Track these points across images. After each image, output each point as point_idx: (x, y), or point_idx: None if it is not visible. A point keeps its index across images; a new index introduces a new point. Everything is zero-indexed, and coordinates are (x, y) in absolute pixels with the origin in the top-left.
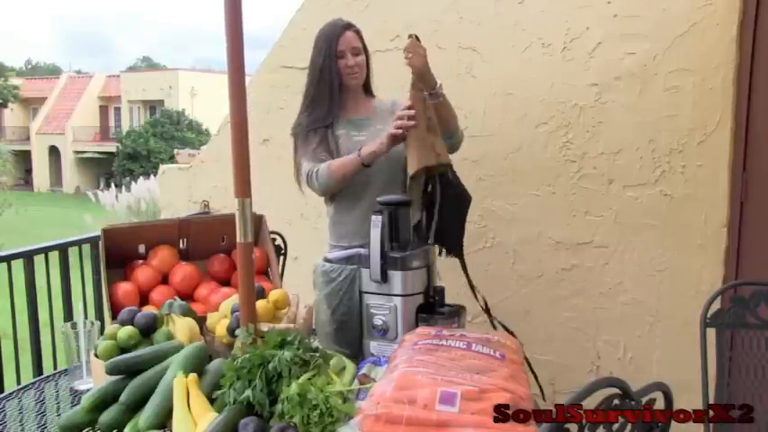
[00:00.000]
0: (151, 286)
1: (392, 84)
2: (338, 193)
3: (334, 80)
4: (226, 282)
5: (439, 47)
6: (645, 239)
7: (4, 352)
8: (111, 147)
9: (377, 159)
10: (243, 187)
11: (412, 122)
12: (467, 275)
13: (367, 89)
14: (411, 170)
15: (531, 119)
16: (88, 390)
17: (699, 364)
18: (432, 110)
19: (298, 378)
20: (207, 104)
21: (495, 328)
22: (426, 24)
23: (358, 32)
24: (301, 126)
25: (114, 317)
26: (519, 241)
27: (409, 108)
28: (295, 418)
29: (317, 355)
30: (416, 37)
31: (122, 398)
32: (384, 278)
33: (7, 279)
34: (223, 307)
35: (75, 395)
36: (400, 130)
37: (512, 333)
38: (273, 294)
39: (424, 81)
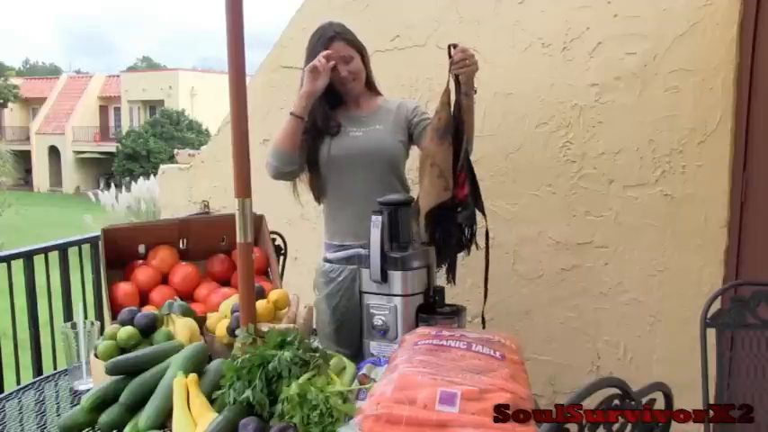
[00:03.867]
0: (151, 286)
1: (392, 83)
2: (328, 192)
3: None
4: (226, 282)
5: (439, 47)
6: (645, 239)
7: (4, 352)
8: (111, 147)
9: (308, 104)
10: (243, 187)
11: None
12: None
13: (371, 87)
14: (425, 207)
15: (531, 119)
16: (88, 390)
17: (699, 364)
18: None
19: (298, 378)
20: (207, 104)
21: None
22: (426, 24)
23: (346, 38)
24: None
25: (114, 317)
26: (519, 241)
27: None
28: (295, 419)
29: (317, 355)
30: (452, 45)
31: (122, 398)
32: (384, 278)
33: (7, 279)
34: (223, 307)
35: (76, 395)
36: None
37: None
38: (273, 294)
39: (470, 84)
